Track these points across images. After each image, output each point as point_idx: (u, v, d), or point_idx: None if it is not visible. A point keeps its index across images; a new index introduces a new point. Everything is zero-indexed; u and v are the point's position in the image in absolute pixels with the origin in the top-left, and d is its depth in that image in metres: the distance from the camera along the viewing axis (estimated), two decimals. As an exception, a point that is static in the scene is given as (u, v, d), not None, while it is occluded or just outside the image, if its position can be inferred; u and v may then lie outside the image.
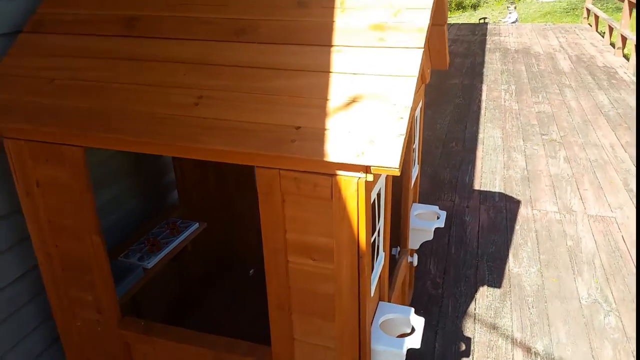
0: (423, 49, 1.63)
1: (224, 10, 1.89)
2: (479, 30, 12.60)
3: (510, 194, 4.71)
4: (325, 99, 1.60)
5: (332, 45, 1.71)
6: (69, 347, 2.28)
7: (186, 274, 2.99)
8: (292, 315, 1.85)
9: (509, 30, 12.47)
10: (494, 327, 3.08)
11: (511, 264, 3.68)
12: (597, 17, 11.53)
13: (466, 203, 4.60)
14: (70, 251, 2.03)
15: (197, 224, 2.83)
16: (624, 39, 9.11)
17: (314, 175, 1.58)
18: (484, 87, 8.01)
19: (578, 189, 4.77)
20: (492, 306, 3.26)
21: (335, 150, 1.50)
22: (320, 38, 1.74)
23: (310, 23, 1.78)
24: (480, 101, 7.37)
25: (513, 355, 2.86)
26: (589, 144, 5.77)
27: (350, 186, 1.55)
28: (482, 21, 16.74)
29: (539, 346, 2.92)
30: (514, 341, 2.97)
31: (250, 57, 1.75)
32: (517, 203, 4.56)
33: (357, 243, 1.63)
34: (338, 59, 1.68)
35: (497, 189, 4.82)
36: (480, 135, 6.15)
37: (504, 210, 4.45)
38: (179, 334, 2.08)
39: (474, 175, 5.13)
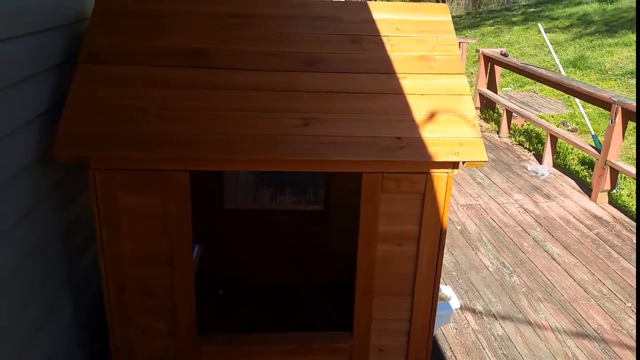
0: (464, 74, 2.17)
1: (284, 45, 2.17)
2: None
3: (396, 196, 5.51)
4: (409, 114, 2.03)
5: (394, 73, 2.14)
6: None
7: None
8: (373, 298, 2.20)
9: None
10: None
11: (426, 250, 4.42)
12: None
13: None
14: (152, 279, 2.06)
15: (198, 245, 2.92)
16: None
17: (412, 174, 1.99)
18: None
19: (443, 185, 5.80)
20: (430, 284, 3.92)
21: (435, 152, 1.94)
22: (383, 67, 2.15)
23: (369, 56, 2.18)
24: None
25: (465, 316, 3.54)
26: (434, 149, 6.97)
27: (442, 180, 2.00)
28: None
29: (478, 307, 3.66)
30: (460, 306, 3.65)
31: (330, 84, 2.08)
32: (405, 202, 5.37)
33: (441, 226, 2.08)
34: (404, 83, 2.12)
35: (384, 193, 5.58)
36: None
37: (398, 209, 5.21)
38: (260, 338, 2.24)
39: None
